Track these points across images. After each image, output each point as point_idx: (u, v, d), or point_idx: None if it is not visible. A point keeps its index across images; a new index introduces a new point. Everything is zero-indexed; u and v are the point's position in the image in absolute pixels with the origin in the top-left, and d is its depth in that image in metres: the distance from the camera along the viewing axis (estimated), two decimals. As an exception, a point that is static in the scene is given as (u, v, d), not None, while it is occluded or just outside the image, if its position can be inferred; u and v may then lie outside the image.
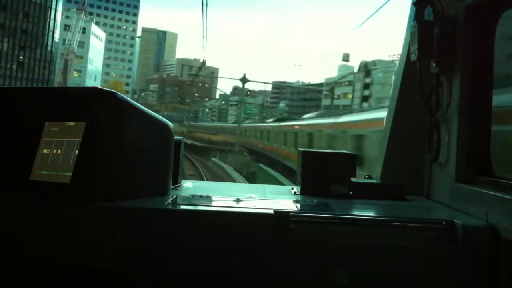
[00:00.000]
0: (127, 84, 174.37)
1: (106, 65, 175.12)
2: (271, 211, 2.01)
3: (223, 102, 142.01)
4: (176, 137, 2.36)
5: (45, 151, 2.07)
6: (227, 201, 2.27)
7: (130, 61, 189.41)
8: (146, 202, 2.04)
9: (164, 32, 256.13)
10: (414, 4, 2.54)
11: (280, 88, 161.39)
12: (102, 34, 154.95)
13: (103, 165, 1.99)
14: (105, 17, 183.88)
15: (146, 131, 2.16)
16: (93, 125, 2.00)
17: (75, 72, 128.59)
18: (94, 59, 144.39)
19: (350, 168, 2.57)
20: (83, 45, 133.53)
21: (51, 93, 2.38)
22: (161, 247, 1.94)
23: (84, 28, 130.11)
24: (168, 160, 2.25)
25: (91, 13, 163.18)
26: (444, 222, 2.00)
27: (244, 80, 50.20)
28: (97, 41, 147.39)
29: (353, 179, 2.57)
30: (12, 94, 2.31)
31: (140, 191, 2.10)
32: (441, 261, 1.94)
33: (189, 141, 55.62)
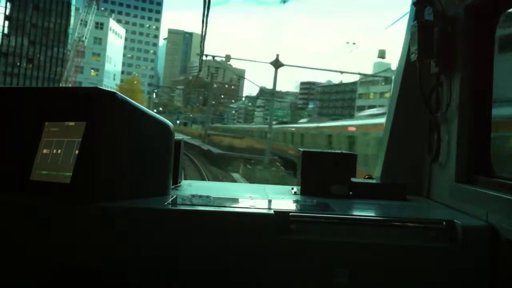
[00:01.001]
0: (149, 85, 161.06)
1: (128, 64, 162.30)
2: (271, 211, 2.01)
3: (250, 103, 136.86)
4: (176, 137, 2.36)
5: (45, 151, 2.07)
6: (227, 201, 2.27)
7: (153, 60, 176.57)
8: (146, 202, 2.04)
9: (191, 34, 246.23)
10: (414, 4, 2.54)
11: (308, 88, 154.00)
12: (121, 31, 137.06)
13: (103, 165, 1.99)
14: (127, 14, 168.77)
15: (146, 131, 2.16)
16: (93, 125, 2.00)
17: (91, 70, 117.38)
18: (113, 58, 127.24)
19: (350, 168, 2.57)
20: (101, 41, 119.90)
21: (51, 93, 2.38)
22: (161, 247, 1.94)
23: (102, 24, 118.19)
24: (168, 160, 2.24)
25: (112, 11, 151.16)
26: (444, 222, 2.00)
27: (277, 64, 36.68)
28: (116, 38, 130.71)
29: (353, 179, 2.57)
30: (12, 94, 2.31)
31: (140, 191, 2.10)
32: (441, 261, 1.94)
33: (205, 147, 47.10)
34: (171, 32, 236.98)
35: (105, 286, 1.96)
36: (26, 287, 1.95)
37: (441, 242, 1.97)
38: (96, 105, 2.04)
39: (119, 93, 2.08)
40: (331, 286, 1.96)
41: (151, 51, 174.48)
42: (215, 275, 1.95)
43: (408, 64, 2.66)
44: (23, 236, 1.93)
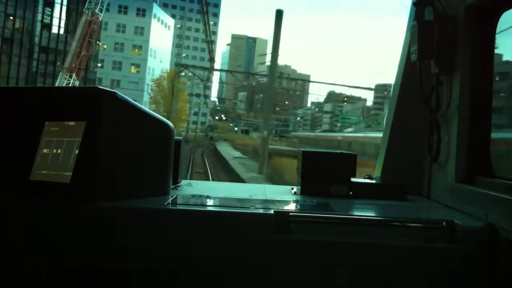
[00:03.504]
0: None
1: (183, 65, 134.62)
2: (271, 211, 2.01)
3: (316, 109, 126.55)
4: (176, 137, 2.36)
5: (45, 151, 2.07)
6: (227, 201, 2.27)
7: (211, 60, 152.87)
8: (146, 202, 2.04)
9: (254, 39, 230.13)
10: (414, 4, 2.53)
11: (384, 91, 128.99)
12: (169, 21, 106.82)
13: (103, 165, 1.98)
14: (182, 8, 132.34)
15: (146, 131, 2.16)
16: (93, 124, 2.00)
17: (132, 67, 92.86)
18: (158, 52, 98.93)
19: (350, 168, 2.57)
20: (142, 31, 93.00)
21: (51, 93, 2.38)
22: (161, 247, 1.93)
23: (144, 10, 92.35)
24: (168, 160, 2.24)
25: (165, 5, 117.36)
26: (444, 222, 2.00)
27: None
28: (163, 29, 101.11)
29: (353, 179, 2.57)
30: (12, 94, 2.31)
31: (140, 191, 2.10)
32: (441, 261, 1.95)
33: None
34: (234, 37, 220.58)
35: (105, 286, 1.95)
36: (25, 287, 1.94)
37: (441, 242, 1.97)
38: (96, 105, 2.03)
39: (119, 93, 2.08)
40: (331, 286, 1.96)
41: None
42: (215, 275, 1.95)
43: (408, 64, 2.66)
44: (23, 236, 1.93)
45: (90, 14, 50.65)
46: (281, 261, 1.95)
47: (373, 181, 2.80)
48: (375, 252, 1.96)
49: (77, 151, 1.98)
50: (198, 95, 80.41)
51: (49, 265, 1.92)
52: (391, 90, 2.95)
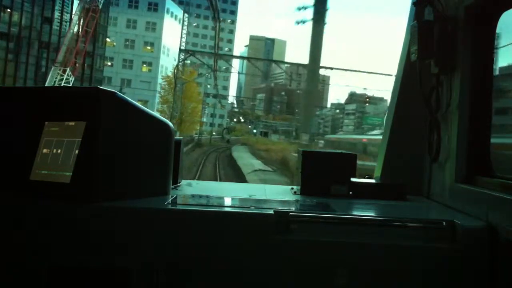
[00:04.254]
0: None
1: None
2: (271, 211, 2.01)
3: (337, 110, 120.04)
4: (176, 137, 2.37)
5: (45, 150, 2.07)
6: (227, 201, 2.28)
7: (227, 61, 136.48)
8: (146, 202, 2.05)
9: (272, 40, 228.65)
10: (414, 4, 2.54)
11: None
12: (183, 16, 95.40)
13: (103, 165, 1.99)
14: (198, 6, 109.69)
15: (146, 131, 2.17)
16: (93, 124, 2.00)
17: (143, 65, 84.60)
18: (172, 49, 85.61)
19: (350, 168, 2.58)
20: (155, 27, 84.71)
21: (51, 93, 2.39)
22: (161, 247, 1.94)
23: (156, 5, 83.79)
24: (168, 160, 2.25)
25: (181, 2, 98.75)
26: (444, 223, 2.00)
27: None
28: (177, 26, 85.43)
29: (353, 179, 2.57)
30: (12, 94, 2.32)
31: (140, 191, 2.10)
32: (441, 261, 1.94)
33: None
34: (252, 38, 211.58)
35: (105, 286, 1.96)
36: (25, 287, 1.96)
37: (441, 243, 1.97)
38: (96, 105, 2.03)
39: (119, 93, 2.09)
40: (331, 286, 1.96)
41: (226, 48, 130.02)
42: (215, 275, 1.95)
43: (408, 64, 2.66)
44: (23, 236, 1.94)
45: (88, 0, 43.02)
46: (281, 261, 1.95)
47: (373, 181, 2.81)
48: (375, 252, 1.96)
49: (77, 151, 1.98)
50: (215, 96, 74.64)
51: (49, 265, 1.92)
52: (391, 90, 2.95)
